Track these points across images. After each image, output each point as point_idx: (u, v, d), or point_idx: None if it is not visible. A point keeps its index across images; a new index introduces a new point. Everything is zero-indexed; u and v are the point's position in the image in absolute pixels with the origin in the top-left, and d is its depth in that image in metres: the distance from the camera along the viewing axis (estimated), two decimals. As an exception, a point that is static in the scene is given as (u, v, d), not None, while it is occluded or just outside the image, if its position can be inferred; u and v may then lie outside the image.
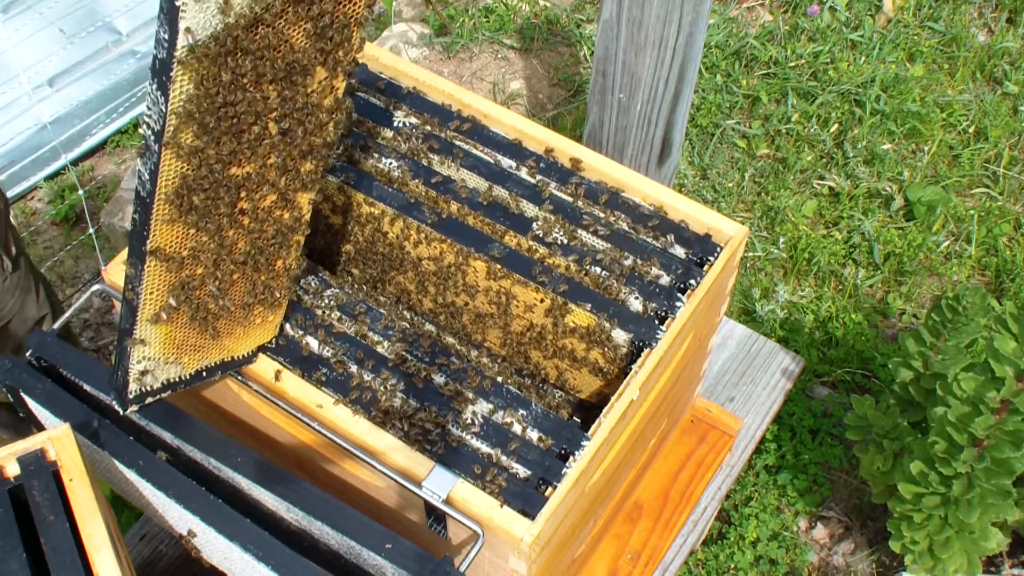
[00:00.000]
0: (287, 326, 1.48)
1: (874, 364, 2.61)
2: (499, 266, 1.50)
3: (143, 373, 1.31)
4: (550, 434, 1.39)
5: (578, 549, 1.61)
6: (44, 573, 1.21)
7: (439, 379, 1.44)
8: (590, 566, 1.80)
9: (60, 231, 2.96)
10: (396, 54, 2.18)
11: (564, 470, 1.33)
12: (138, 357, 1.29)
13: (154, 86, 1.09)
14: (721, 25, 3.39)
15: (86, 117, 3.09)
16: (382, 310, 1.52)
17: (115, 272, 1.53)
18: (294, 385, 1.41)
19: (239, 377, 1.44)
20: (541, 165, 1.62)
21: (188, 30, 1.05)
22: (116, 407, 1.36)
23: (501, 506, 1.29)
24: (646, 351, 1.43)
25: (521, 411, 1.41)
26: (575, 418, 1.56)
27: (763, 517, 2.35)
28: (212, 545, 1.39)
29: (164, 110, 1.09)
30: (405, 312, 1.59)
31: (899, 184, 3.00)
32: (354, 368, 1.44)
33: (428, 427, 1.37)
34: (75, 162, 3.09)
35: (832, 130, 3.15)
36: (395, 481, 1.33)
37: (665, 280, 1.50)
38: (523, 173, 1.61)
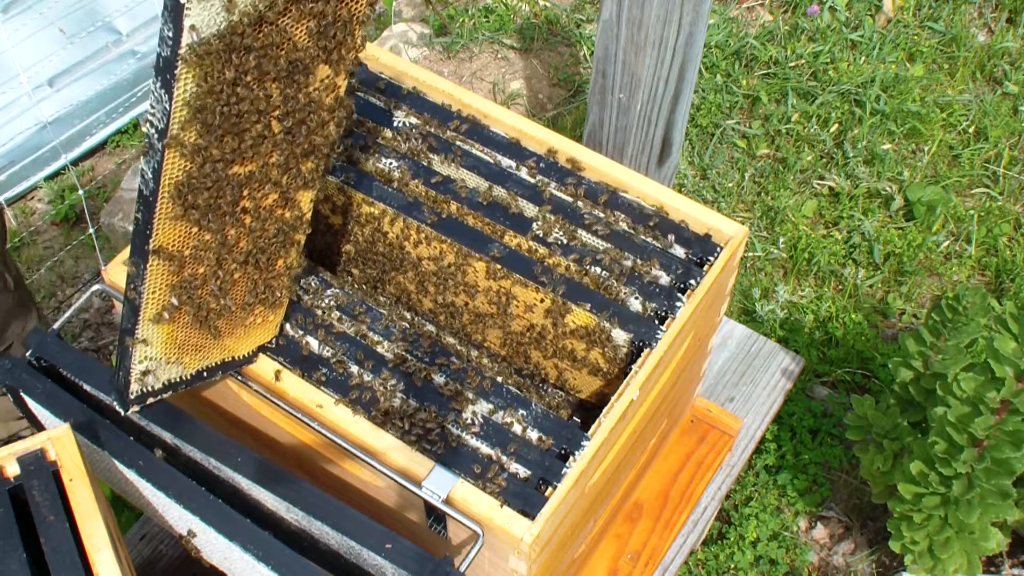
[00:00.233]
0: (287, 326, 1.48)
1: (874, 364, 2.61)
2: (499, 266, 1.50)
3: (145, 373, 1.31)
4: (550, 434, 1.38)
5: (578, 549, 1.61)
6: (44, 573, 1.21)
7: (439, 379, 1.44)
8: (590, 566, 1.80)
9: (60, 231, 2.96)
10: (396, 54, 2.18)
11: (564, 470, 1.33)
12: (140, 357, 1.29)
13: (158, 84, 1.09)
14: (721, 25, 3.38)
15: (86, 117, 3.09)
16: (382, 310, 1.52)
17: (115, 272, 1.53)
18: (294, 385, 1.41)
19: (239, 377, 1.44)
20: (541, 165, 1.62)
21: (192, 28, 1.05)
22: (117, 407, 1.35)
23: (501, 506, 1.29)
24: (646, 351, 1.43)
25: (521, 411, 1.41)
26: (575, 418, 1.56)
27: (763, 517, 2.35)
28: (212, 545, 1.39)
29: (168, 108, 1.10)
30: (405, 312, 1.59)
31: (899, 184, 3.00)
32: (354, 368, 1.44)
33: (428, 427, 1.37)
34: (75, 162, 3.09)
35: (832, 130, 3.15)
36: (395, 481, 1.33)
37: (665, 280, 1.50)
38: (523, 173, 1.61)
